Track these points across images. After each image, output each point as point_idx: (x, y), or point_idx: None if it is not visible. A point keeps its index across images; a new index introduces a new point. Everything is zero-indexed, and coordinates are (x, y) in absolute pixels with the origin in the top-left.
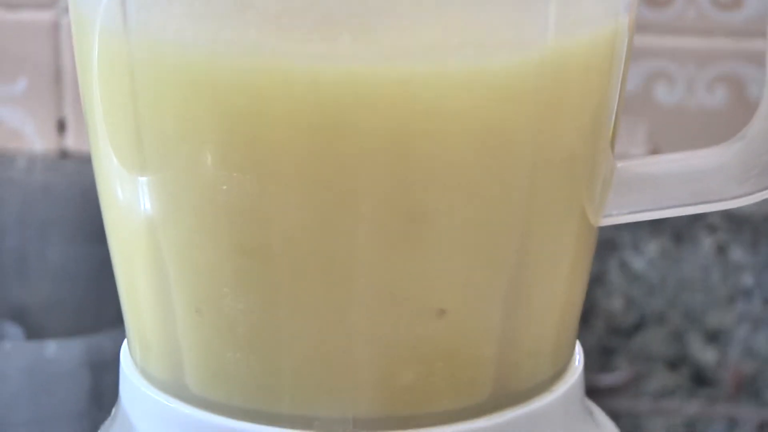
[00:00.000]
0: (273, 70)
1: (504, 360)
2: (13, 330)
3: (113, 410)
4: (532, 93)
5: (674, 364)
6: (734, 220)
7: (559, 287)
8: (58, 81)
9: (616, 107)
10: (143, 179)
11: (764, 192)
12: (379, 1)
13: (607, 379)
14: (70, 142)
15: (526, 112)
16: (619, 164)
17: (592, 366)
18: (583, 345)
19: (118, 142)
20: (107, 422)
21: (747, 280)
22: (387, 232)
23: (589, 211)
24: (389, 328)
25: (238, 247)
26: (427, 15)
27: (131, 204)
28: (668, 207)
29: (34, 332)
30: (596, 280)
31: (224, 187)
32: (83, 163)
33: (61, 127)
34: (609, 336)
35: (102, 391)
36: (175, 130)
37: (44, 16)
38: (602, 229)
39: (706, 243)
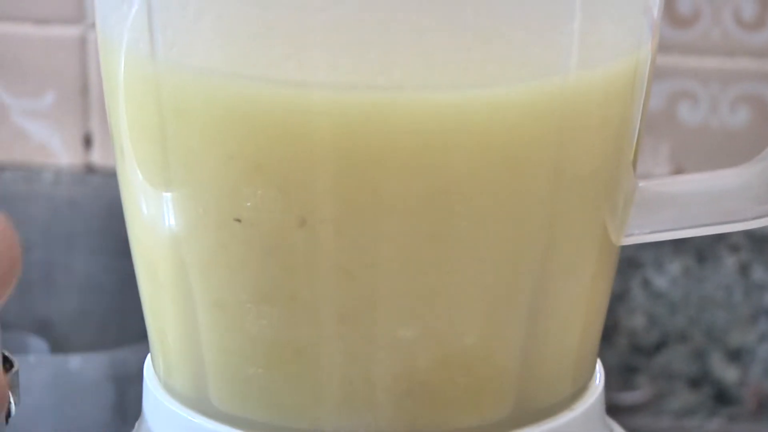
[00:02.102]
0: (298, 93)
1: (525, 377)
2: (38, 343)
3: (136, 424)
4: (554, 119)
5: (696, 382)
6: (757, 239)
7: (580, 306)
8: (84, 96)
9: (638, 128)
10: (168, 195)
11: None
12: (403, 31)
13: (629, 398)
14: (96, 156)
15: (548, 137)
16: (641, 184)
17: (614, 384)
18: (605, 363)
19: (143, 159)
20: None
21: None
22: (410, 251)
23: (611, 231)
24: (410, 343)
25: (262, 263)
26: (452, 46)
27: (156, 220)
28: (689, 227)
29: (59, 345)
30: (619, 298)
31: (248, 204)
32: (109, 178)
33: (88, 141)
34: (631, 354)
35: (125, 404)
36: (200, 148)
37: (72, 31)
38: (625, 247)
39: (729, 262)
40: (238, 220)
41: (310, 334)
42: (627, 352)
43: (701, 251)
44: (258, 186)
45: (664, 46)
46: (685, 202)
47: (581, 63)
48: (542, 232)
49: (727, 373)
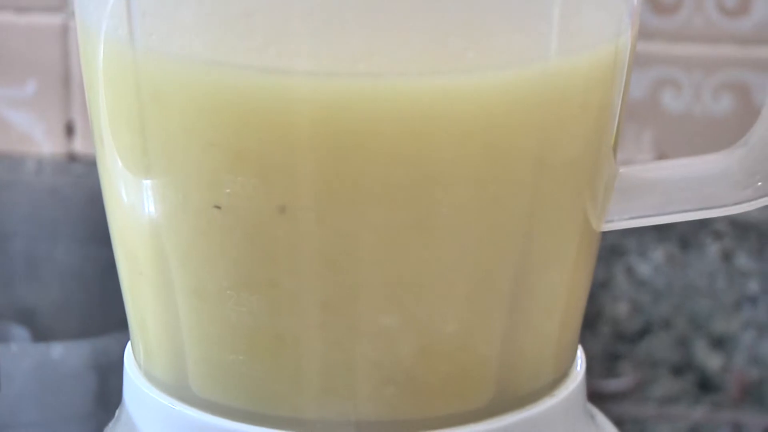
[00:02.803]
0: (278, 79)
1: (506, 364)
2: (20, 332)
3: (117, 412)
4: (535, 106)
5: (679, 370)
6: (740, 226)
7: (561, 292)
8: (66, 84)
9: (618, 114)
10: (147, 182)
11: (767, 198)
12: (384, 18)
13: (613, 385)
14: (79, 145)
15: (529, 123)
16: (622, 170)
17: (597, 371)
18: (589, 350)
19: (123, 146)
20: (111, 424)
21: (752, 286)
22: (391, 238)
23: (592, 217)
24: (392, 331)
25: (242, 250)
26: (433, 33)
27: (135, 207)
28: (670, 213)
29: (41, 334)
30: (602, 286)
31: (228, 191)
32: (91, 166)
33: (70, 130)
34: (614, 341)
35: (108, 393)
36: (179, 135)
37: (53, 19)
38: (608, 234)
39: (712, 249)
40: (218, 207)
41: (290, 321)
42: (610, 339)
43: (684, 238)
44: (238, 173)
45: (647, 34)
46: (666, 187)
47: (561, 50)
48: (523, 218)
49: (711, 361)
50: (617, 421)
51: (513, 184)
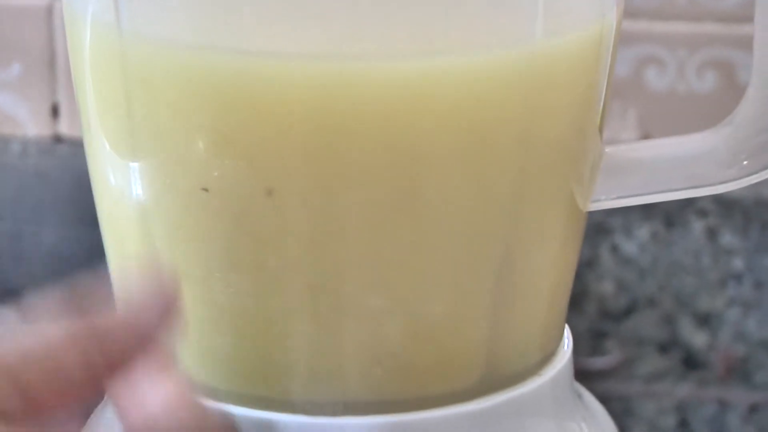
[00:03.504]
0: (264, 62)
1: (493, 345)
2: (7, 314)
3: (105, 396)
4: (521, 87)
5: (665, 347)
6: (725, 204)
7: (547, 271)
8: (51, 66)
9: (604, 94)
10: (135, 165)
11: (752, 176)
12: (371, 1)
13: (598, 363)
14: (64, 126)
15: (514, 105)
16: (608, 149)
17: (583, 349)
18: (575, 329)
19: (110, 129)
20: (100, 406)
21: (737, 264)
22: (378, 220)
23: (578, 197)
24: (379, 312)
25: (229, 232)
26: (419, 15)
27: (123, 190)
28: (656, 192)
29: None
30: (588, 264)
31: (215, 174)
32: (77, 148)
33: (55, 111)
34: (600, 320)
35: None
36: (166, 117)
37: (38, 1)
38: (594, 213)
39: (697, 227)
40: (206, 190)
41: (278, 303)
42: (596, 317)
43: (669, 217)
44: (225, 156)
45: (630, 12)
46: (651, 167)
47: (547, 31)
48: (509, 199)
49: (696, 338)
50: (603, 399)
51: (499, 164)
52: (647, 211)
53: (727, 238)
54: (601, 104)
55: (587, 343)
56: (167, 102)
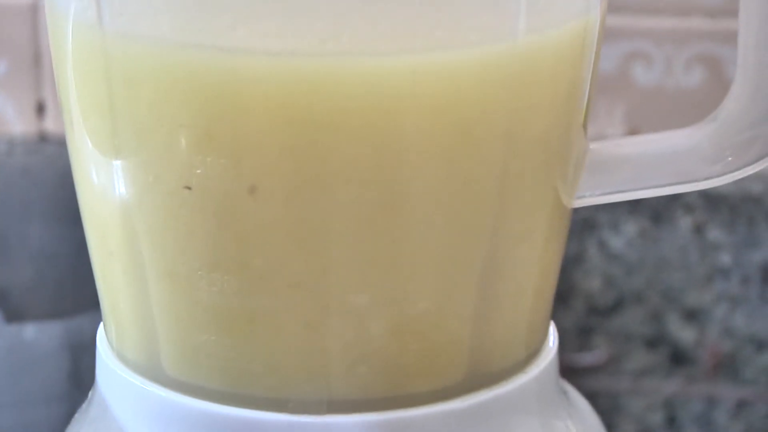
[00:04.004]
0: (246, 61)
1: (478, 341)
2: None
3: (90, 393)
4: (504, 84)
5: (652, 343)
6: (711, 199)
7: (532, 268)
8: (37, 64)
9: (588, 90)
10: (117, 164)
11: (737, 172)
12: None
13: (586, 359)
14: (50, 124)
15: (498, 101)
16: (593, 145)
17: (570, 346)
18: (562, 325)
19: (92, 128)
20: (84, 405)
21: (724, 259)
22: (361, 218)
23: (563, 193)
24: (363, 310)
25: (212, 231)
26: (400, 11)
27: (106, 188)
28: (641, 188)
29: (13, 315)
30: (574, 260)
31: (198, 172)
32: (63, 146)
33: (40, 109)
34: (587, 316)
35: (81, 373)
36: (148, 116)
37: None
38: (580, 209)
39: (684, 223)
40: (188, 188)
41: (262, 301)
42: (583, 313)
43: (656, 212)
44: (207, 154)
45: (617, 7)
46: (636, 163)
47: (530, 27)
48: (493, 195)
49: (684, 334)
50: (590, 395)
51: (483, 161)
52: (634, 207)
53: (714, 234)
54: (586, 100)
55: (574, 340)
56: (149, 100)
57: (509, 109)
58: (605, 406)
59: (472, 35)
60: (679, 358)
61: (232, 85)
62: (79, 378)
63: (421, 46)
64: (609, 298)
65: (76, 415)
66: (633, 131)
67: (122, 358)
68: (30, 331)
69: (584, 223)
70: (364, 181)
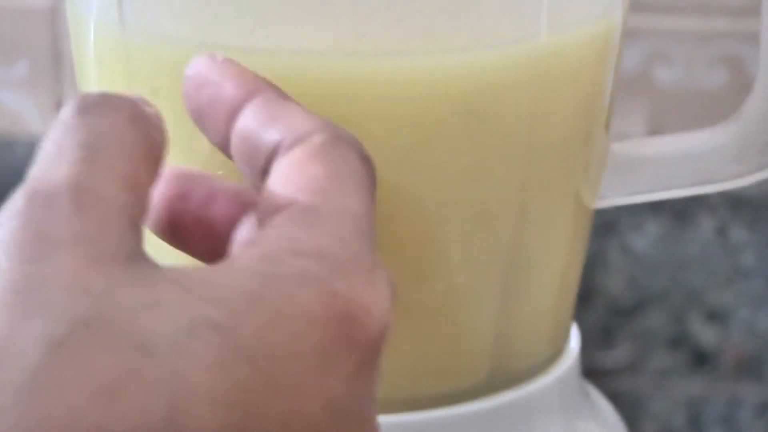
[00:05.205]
0: (266, 60)
1: (501, 342)
2: None
3: None
4: (526, 85)
5: (675, 343)
6: (734, 200)
7: (555, 269)
8: (57, 64)
9: (610, 90)
10: None
11: (761, 172)
12: None
13: (608, 360)
14: None
15: (520, 102)
16: (615, 146)
17: (592, 346)
18: (584, 325)
19: None
20: None
21: (747, 259)
22: (382, 222)
23: (585, 194)
24: None
25: None
26: (423, 13)
27: None
28: (663, 189)
29: None
30: (597, 261)
31: (219, 173)
32: None
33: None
34: (609, 316)
35: None
36: (170, 117)
37: (42, 3)
38: (602, 210)
39: (707, 223)
40: None
41: None
42: (605, 314)
43: (679, 213)
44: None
45: (639, 7)
46: (659, 163)
47: (552, 28)
48: (515, 196)
49: (706, 334)
50: (613, 396)
51: (505, 162)
52: (656, 207)
53: (737, 234)
54: (608, 101)
55: (596, 340)
56: (170, 100)
57: (531, 109)
58: (628, 407)
59: (495, 36)
60: (701, 359)
61: None
62: None
63: (442, 48)
64: (631, 298)
65: None
66: (655, 131)
67: None
68: None
69: (606, 224)
70: (387, 180)
